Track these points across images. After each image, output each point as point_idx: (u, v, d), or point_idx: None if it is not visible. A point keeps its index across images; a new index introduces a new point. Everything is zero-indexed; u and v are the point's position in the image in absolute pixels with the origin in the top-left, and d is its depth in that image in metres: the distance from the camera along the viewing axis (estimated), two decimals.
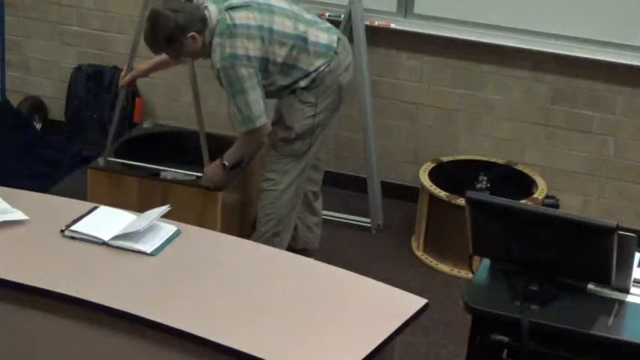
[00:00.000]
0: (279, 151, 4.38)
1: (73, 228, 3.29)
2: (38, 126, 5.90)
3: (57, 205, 3.54)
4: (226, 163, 4.37)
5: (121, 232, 3.26)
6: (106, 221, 3.34)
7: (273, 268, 3.23)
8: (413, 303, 3.05)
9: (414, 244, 5.05)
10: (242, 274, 3.17)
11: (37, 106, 5.93)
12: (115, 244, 3.24)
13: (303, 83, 4.26)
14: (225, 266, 3.21)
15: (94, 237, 3.26)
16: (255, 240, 4.37)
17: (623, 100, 5.05)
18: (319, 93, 4.29)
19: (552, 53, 5.03)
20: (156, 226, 3.32)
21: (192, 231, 3.39)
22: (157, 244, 3.25)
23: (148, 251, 3.21)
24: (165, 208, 3.37)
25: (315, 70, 4.25)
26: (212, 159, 4.55)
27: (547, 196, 4.94)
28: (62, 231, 3.29)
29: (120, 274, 3.13)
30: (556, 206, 4.96)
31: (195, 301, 3.00)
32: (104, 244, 3.24)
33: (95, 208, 3.43)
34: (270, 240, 4.38)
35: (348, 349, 2.82)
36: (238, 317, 2.93)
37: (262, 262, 3.27)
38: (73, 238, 3.27)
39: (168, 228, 3.34)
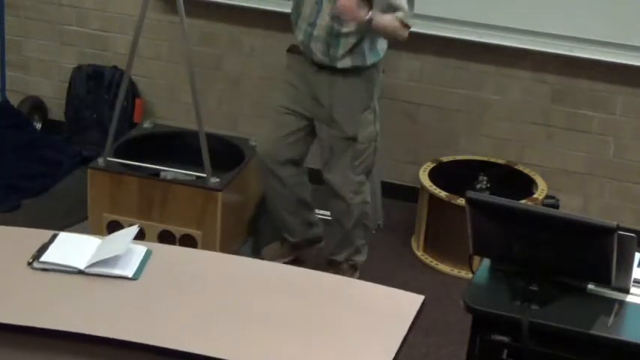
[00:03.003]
0: (355, 171, 4.37)
1: (42, 259, 3.08)
2: (38, 126, 5.89)
3: (12, 236, 3.32)
4: (371, 17, 4.04)
5: (99, 259, 3.07)
6: (73, 248, 3.15)
7: (264, 280, 3.14)
8: (413, 301, 3.04)
9: (414, 244, 5.05)
10: (233, 288, 3.07)
11: (37, 106, 5.93)
12: (92, 271, 3.05)
13: (370, 60, 4.22)
14: (214, 282, 3.10)
15: (67, 266, 3.07)
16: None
17: (623, 100, 5.05)
18: (374, 95, 4.30)
19: (552, 53, 5.03)
20: (127, 249, 3.15)
21: (162, 250, 3.27)
22: (135, 267, 3.09)
23: (130, 275, 3.06)
24: (134, 229, 3.22)
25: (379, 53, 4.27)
26: (212, 159, 4.55)
27: (547, 196, 4.94)
28: (30, 263, 3.08)
29: (108, 302, 2.97)
30: (556, 206, 4.95)
31: (197, 321, 2.90)
32: (80, 272, 3.06)
33: (55, 235, 3.21)
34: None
35: (368, 357, 2.79)
36: (246, 333, 2.86)
37: (250, 275, 3.17)
38: (44, 269, 3.06)
39: (140, 249, 3.18)
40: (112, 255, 3.08)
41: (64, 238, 3.21)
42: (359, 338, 2.87)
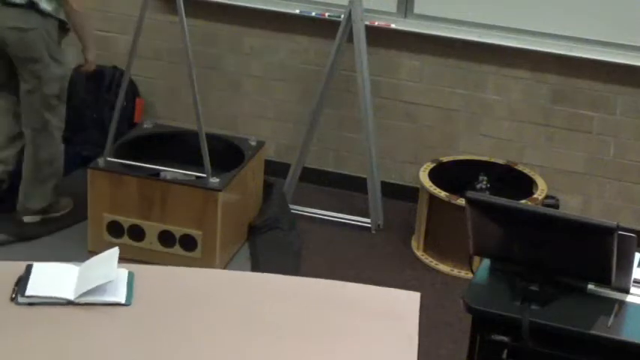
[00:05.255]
0: None
1: (26, 293, 2.87)
2: None
3: None
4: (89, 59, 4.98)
5: (89, 287, 2.88)
6: (54, 278, 2.95)
7: (259, 292, 3.03)
8: (411, 300, 3.03)
9: (414, 244, 5.05)
10: (229, 303, 2.96)
11: None
12: (82, 300, 2.86)
13: None
14: (208, 299, 2.97)
15: (55, 298, 2.87)
16: None
17: (623, 100, 5.05)
18: None
19: (552, 53, 5.03)
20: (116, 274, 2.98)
21: (142, 270, 3.08)
22: (125, 292, 2.92)
23: (122, 301, 2.89)
24: (115, 252, 3.02)
25: None
26: (212, 159, 4.56)
27: (547, 196, 4.94)
28: (13, 299, 2.88)
29: (107, 331, 2.80)
30: (556, 206, 4.96)
31: (204, 340, 2.78)
32: (70, 303, 2.86)
33: (30, 266, 3.00)
34: None
35: None
36: (257, 348, 2.77)
37: (240, 288, 3.06)
38: (30, 304, 2.85)
39: (122, 272, 2.99)
40: (103, 282, 2.91)
41: (41, 268, 3.01)
42: (371, 343, 2.82)
